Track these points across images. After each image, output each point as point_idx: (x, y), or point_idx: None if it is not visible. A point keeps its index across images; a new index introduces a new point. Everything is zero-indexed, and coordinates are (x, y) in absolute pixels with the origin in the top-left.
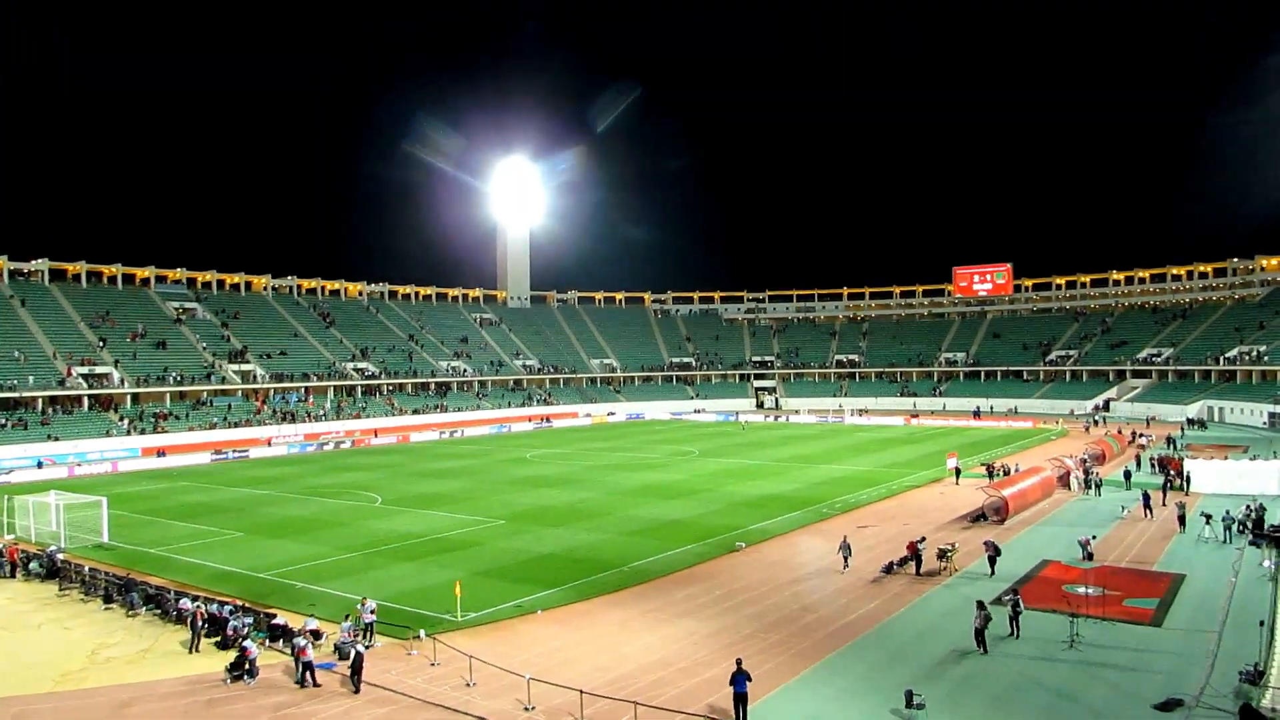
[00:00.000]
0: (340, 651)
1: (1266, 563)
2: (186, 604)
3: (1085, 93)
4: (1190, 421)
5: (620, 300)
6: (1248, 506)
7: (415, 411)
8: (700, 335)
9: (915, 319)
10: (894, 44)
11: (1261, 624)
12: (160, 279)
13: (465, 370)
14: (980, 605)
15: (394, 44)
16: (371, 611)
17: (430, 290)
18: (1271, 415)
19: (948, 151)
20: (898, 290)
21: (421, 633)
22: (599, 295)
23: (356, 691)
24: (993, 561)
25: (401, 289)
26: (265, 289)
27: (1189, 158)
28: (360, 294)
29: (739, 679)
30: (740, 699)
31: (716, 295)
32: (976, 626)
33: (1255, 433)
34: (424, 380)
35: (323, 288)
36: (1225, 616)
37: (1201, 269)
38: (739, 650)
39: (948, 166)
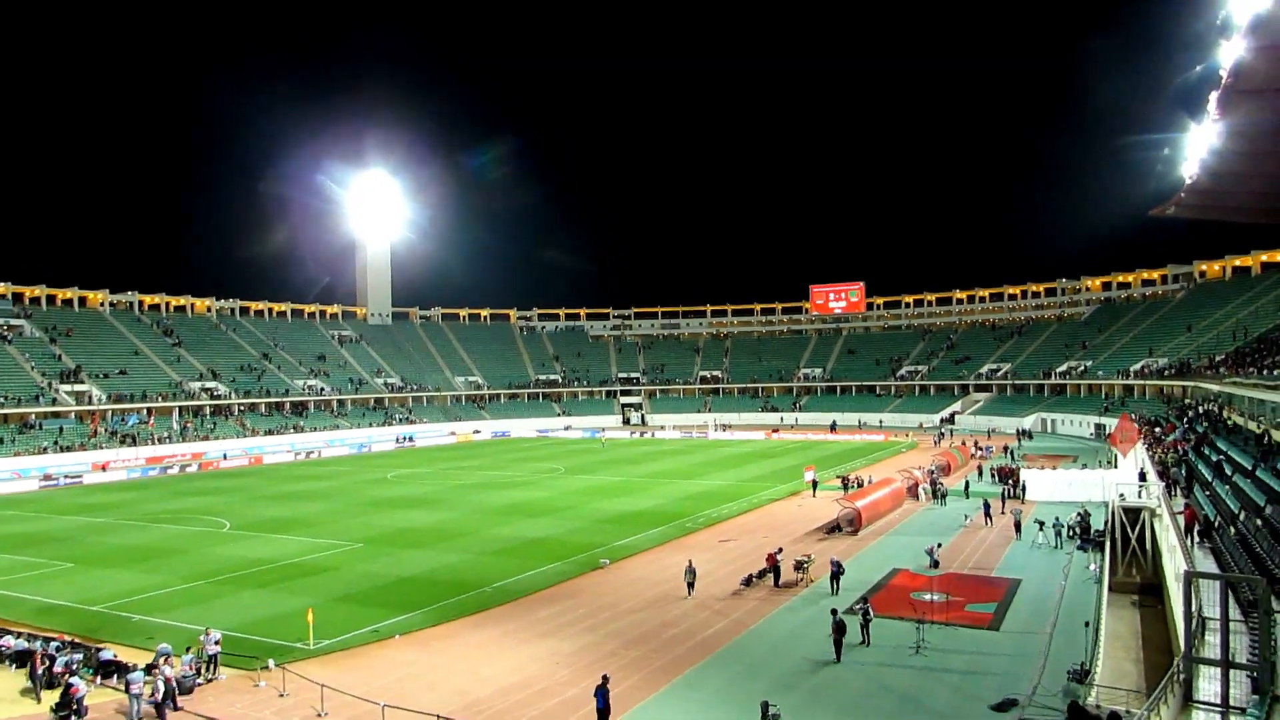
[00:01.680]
0: (170, 688)
1: (1092, 566)
2: (9, 641)
3: (931, 115)
4: (1021, 432)
5: (485, 317)
6: (1077, 514)
7: (269, 432)
8: (566, 352)
9: (775, 335)
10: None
11: (1087, 625)
12: None
13: (323, 389)
14: (834, 614)
15: (243, 51)
16: (216, 642)
17: (285, 306)
18: (1097, 426)
19: (806, 173)
20: (758, 308)
21: (270, 662)
22: (463, 312)
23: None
24: (835, 579)
25: (254, 305)
26: (102, 305)
27: (1024, 183)
28: (209, 310)
29: (600, 692)
30: (601, 713)
31: (582, 312)
32: (834, 637)
33: (1083, 443)
34: (278, 399)
35: (167, 304)
36: (1056, 618)
37: (1034, 289)
38: (600, 668)
39: (806, 187)
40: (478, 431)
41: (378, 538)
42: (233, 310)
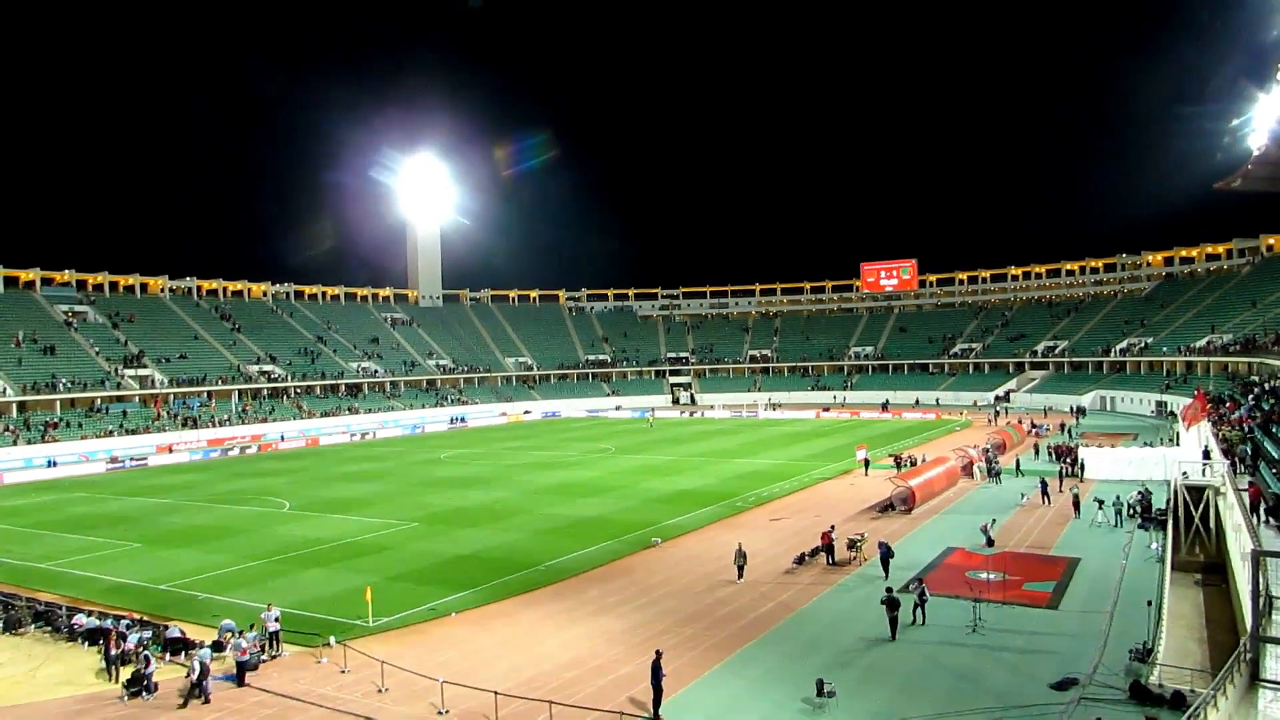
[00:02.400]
0: (239, 666)
1: (1154, 545)
2: (81, 619)
3: (988, 90)
4: (1075, 410)
5: (534, 298)
6: (1138, 492)
7: (324, 414)
8: (615, 332)
9: (825, 314)
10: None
11: (1149, 604)
12: (47, 281)
13: (376, 371)
14: (889, 591)
15: (295, 38)
16: (276, 619)
17: (338, 290)
18: (1158, 404)
19: (857, 150)
20: (808, 286)
21: (331, 639)
22: (513, 293)
23: (205, 701)
24: (885, 563)
25: (308, 289)
26: (162, 291)
27: (1084, 156)
28: (264, 295)
29: (655, 668)
30: (656, 689)
31: (631, 292)
32: (888, 615)
33: (1144, 421)
34: (333, 382)
35: (224, 289)
36: (1116, 597)
37: (1093, 264)
38: (653, 646)
39: (856, 164)
40: (528, 412)
41: (432, 517)
42: (288, 295)
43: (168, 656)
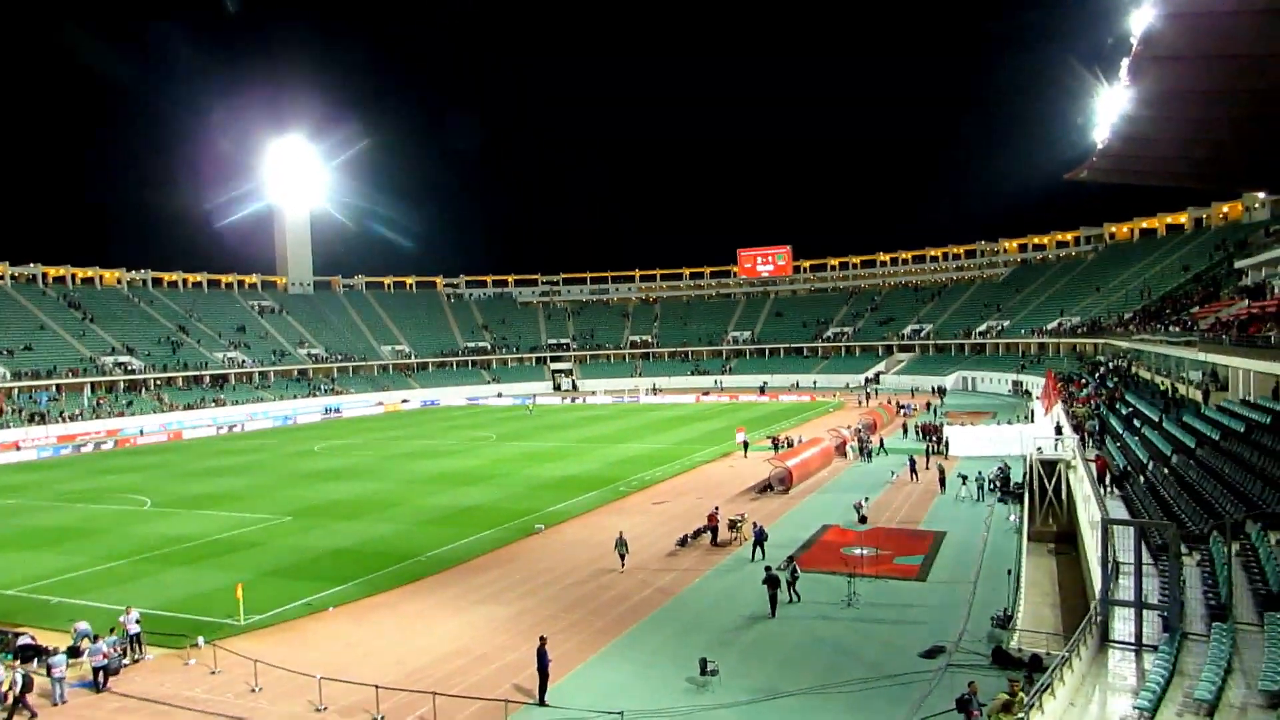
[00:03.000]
0: (96, 671)
1: (1012, 517)
2: None
3: (857, 85)
4: (935, 390)
5: (411, 285)
6: (997, 468)
7: (188, 406)
8: (495, 319)
9: (704, 299)
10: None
11: (1009, 573)
12: None
13: (244, 361)
14: (768, 570)
15: (155, 9)
16: (136, 621)
17: (201, 277)
18: (1015, 383)
19: (734, 138)
20: (687, 272)
21: (200, 640)
22: (388, 280)
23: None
24: (758, 544)
25: (168, 276)
26: (3, 278)
27: (947, 148)
28: (120, 282)
29: (540, 654)
30: (542, 675)
31: (511, 279)
32: (768, 592)
33: (1002, 399)
34: (197, 373)
35: (73, 276)
36: (979, 568)
37: (955, 250)
38: (539, 632)
39: (734, 152)
40: (406, 401)
41: (307, 510)
42: (145, 282)
43: (18, 665)
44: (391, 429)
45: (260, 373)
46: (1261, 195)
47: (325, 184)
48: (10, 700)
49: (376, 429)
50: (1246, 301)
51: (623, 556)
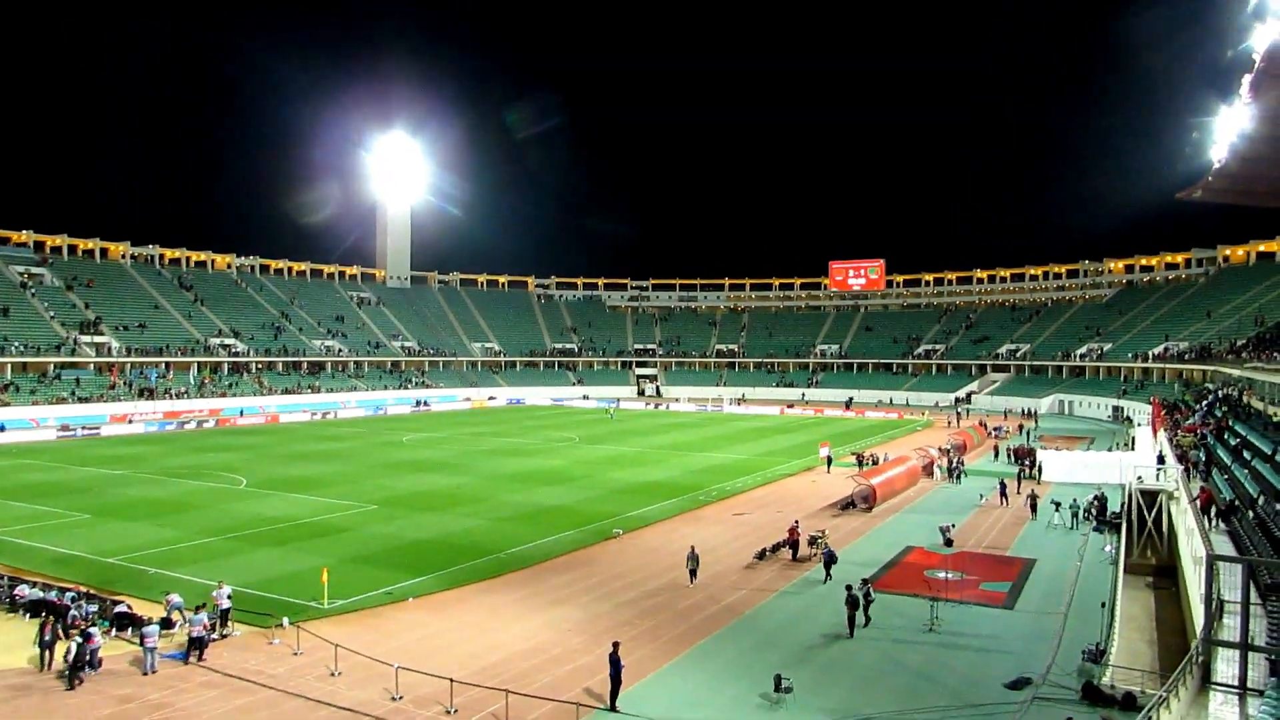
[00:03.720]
0: (192, 641)
1: (1108, 548)
2: (24, 590)
3: (959, 96)
4: (1026, 413)
5: (503, 284)
6: (1093, 495)
7: (286, 391)
8: (583, 322)
9: (793, 311)
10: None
11: (1103, 606)
12: (3, 241)
13: (340, 350)
14: (849, 589)
15: (270, 6)
16: (228, 597)
17: (305, 266)
18: (1115, 409)
19: (827, 147)
20: (776, 283)
21: (285, 620)
22: (482, 278)
23: (185, 661)
24: (827, 567)
25: (274, 264)
26: (123, 257)
27: (1050, 163)
28: (229, 267)
29: (613, 659)
30: (614, 680)
31: (600, 282)
32: (847, 612)
33: (1101, 425)
34: (295, 359)
35: (188, 258)
36: (1071, 599)
37: (1056, 269)
38: (613, 637)
39: (829, 163)
40: (493, 398)
41: (392, 500)
42: (253, 268)
43: (114, 632)
44: (477, 425)
45: (355, 362)
46: None
47: (426, 180)
48: (69, 666)
49: (463, 424)
50: None
51: (693, 572)
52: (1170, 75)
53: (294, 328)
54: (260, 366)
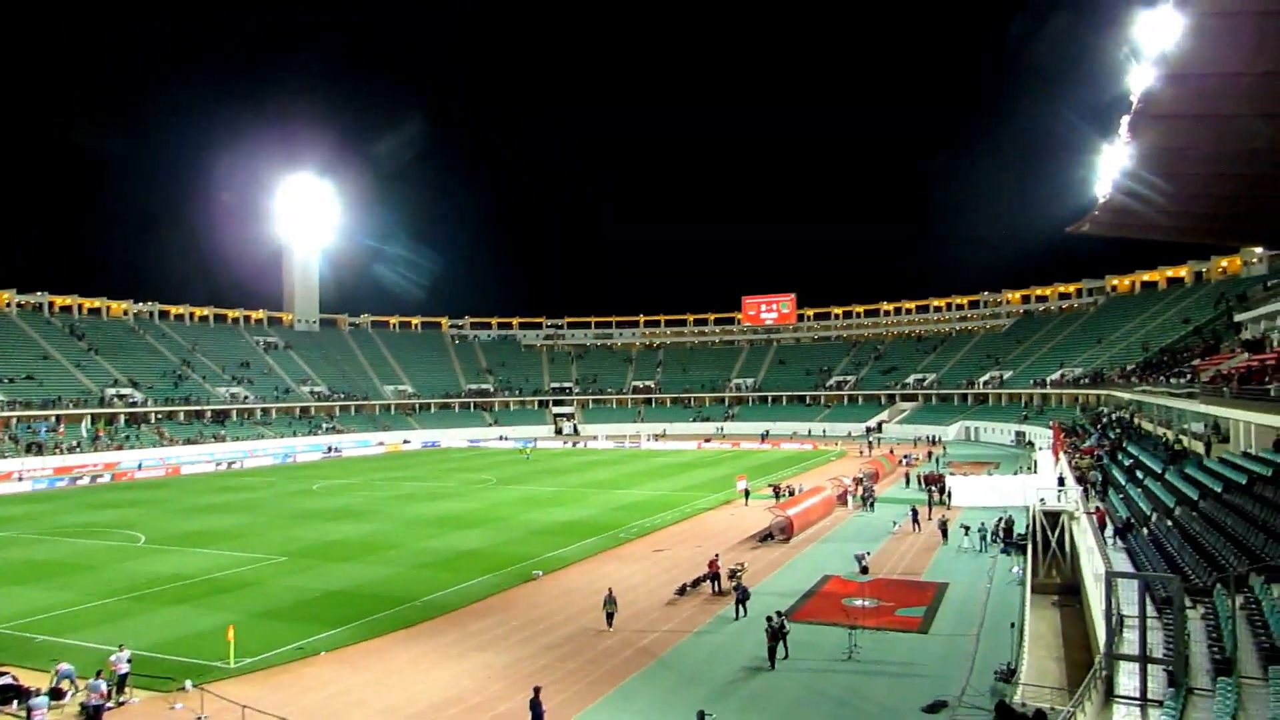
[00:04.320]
0: (85, 711)
1: (1016, 569)
2: None
3: (860, 134)
4: (932, 439)
5: (416, 325)
6: (1000, 518)
7: (188, 441)
8: (498, 361)
9: (708, 346)
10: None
11: (1012, 626)
12: None
13: (246, 397)
14: (769, 621)
15: (167, 47)
16: (127, 661)
17: (208, 311)
18: (1018, 433)
19: (741, 186)
20: (691, 318)
21: (188, 683)
22: (394, 319)
23: None
24: (740, 604)
25: (174, 309)
26: (8, 305)
27: (952, 199)
28: (126, 314)
29: (534, 704)
30: None
31: (515, 321)
32: (768, 644)
33: (1005, 449)
34: (198, 408)
35: (80, 305)
36: (982, 620)
37: (958, 301)
38: (535, 681)
39: (740, 199)
40: (407, 441)
41: (303, 551)
42: (151, 314)
43: None
44: (391, 470)
45: (263, 409)
46: (1259, 250)
47: (336, 221)
48: None
49: (376, 469)
50: (1246, 354)
51: (610, 616)
52: (1059, 115)
53: (197, 375)
54: (160, 416)
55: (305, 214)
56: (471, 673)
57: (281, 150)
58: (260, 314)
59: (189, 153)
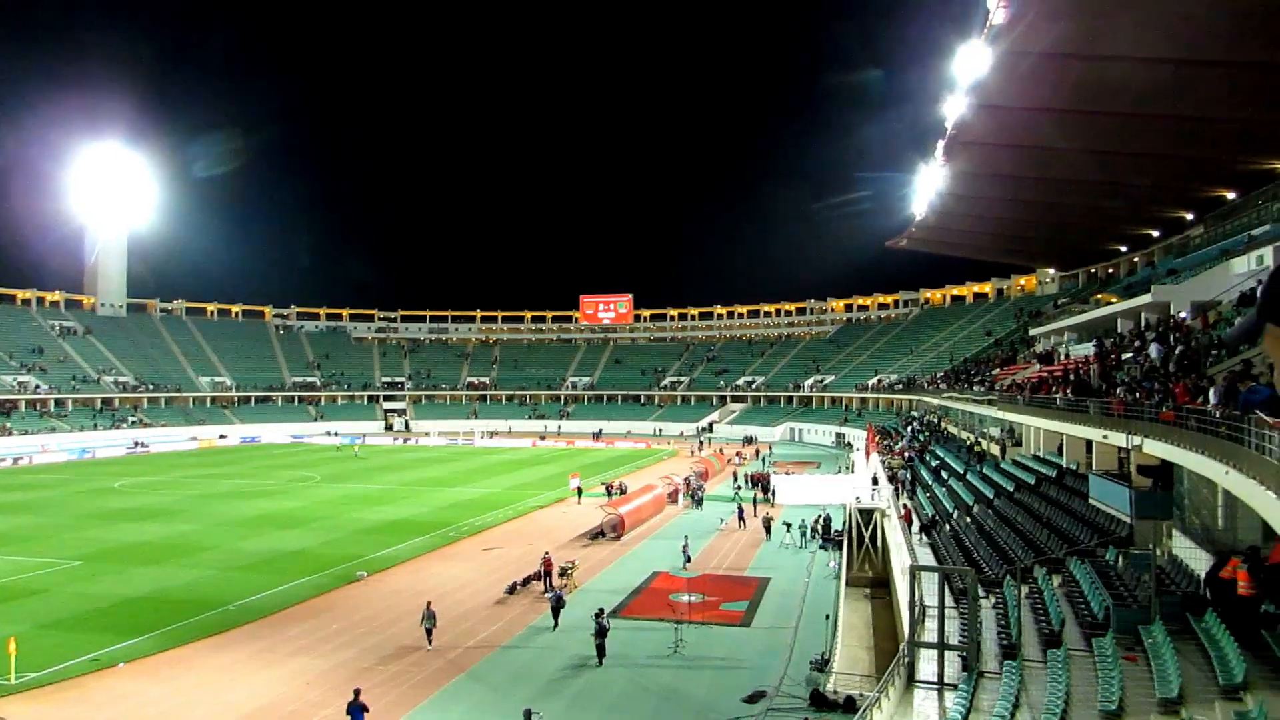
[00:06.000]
0: None
1: (832, 563)
2: None
3: (702, 149)
4: (746, 440)
5: (236, 313)
6: (819, 516)
7: None
8: (326, 354)
9: (545, 344)
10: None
11: (827, 617)
12: None
13: (38, 387)
14: (596, 618)
15: None
16: None
17: None
18: (838, 435)
19: (581, 184)
20: (528, 315)
21: None
22: (212, 306)
23: None
24: (556, 613)
25: None
26: None
27: (772, 209)
28: None
29: (355, 711)
30: None
31: (345, 313)
32: (595, 641)
33: (826, 450)
34: None
35: None
36: (800, 613)
37: (787, 307)
38: (356, 684)
39: (579, 197)
40: (224, 436)
41: (101, 554)
42: None
43: None
44: (205, 466)
45: (57, 400)
46: (1052, 271)
47: (147, 199)
48: None
49: (188, 466)
50: (1038, 365)
51: (429, 632)
52: (886, 136)
53: None
54: None
55: (111, 188)
56: (287, 679)
57: (81, 115)
58: (57, 295)
59: None
